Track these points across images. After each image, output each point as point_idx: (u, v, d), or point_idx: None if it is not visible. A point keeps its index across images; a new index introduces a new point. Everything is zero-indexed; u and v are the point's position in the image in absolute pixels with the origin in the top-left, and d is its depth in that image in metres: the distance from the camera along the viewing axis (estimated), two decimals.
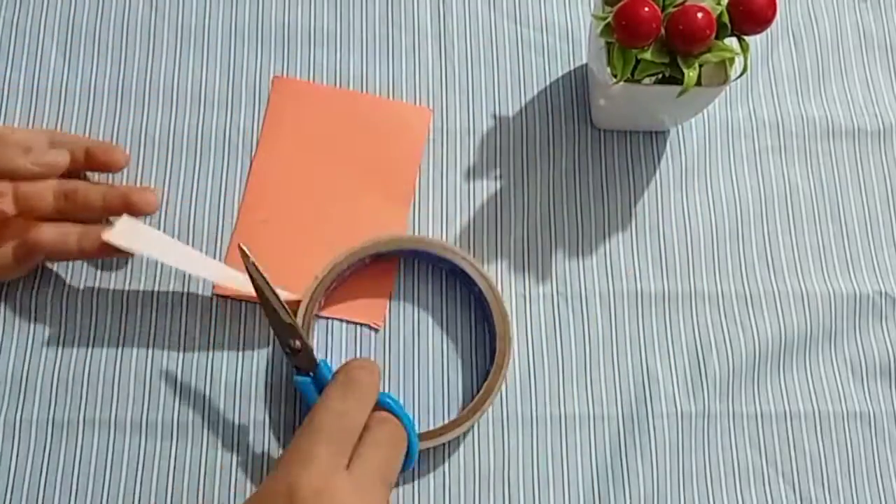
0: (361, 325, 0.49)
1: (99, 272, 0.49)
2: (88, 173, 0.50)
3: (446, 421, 0.46)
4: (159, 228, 0.50)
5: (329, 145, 0.52)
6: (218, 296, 0.48)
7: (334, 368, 0.43)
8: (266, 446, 0.46)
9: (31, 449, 0.45)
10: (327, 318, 0.49)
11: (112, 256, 0.48)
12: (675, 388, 0.49)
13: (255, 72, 0.54)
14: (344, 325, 0.49)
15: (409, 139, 0.53)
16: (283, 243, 0.50)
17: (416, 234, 0.51)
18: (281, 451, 0.46)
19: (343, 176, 0.51)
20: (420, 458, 0.46)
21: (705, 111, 0.54)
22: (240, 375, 0.47)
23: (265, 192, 0.51)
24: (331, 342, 0.49)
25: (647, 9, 0.43)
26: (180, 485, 0.45)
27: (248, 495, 0.45)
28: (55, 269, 0.49)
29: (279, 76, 0.53)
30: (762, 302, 0.51)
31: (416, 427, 0.45)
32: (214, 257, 0.50)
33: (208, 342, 0.48)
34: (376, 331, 0.49)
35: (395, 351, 0.49)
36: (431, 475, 0.46)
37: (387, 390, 0.48)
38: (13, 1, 0.54)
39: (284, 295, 0.45)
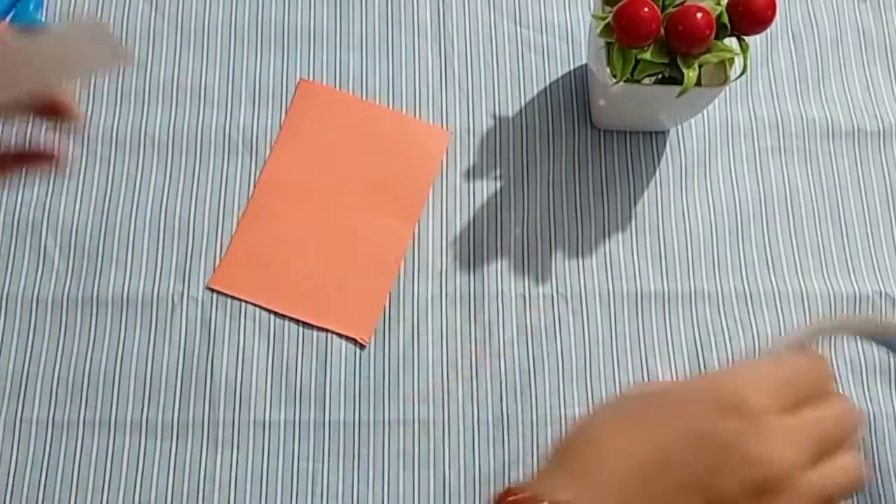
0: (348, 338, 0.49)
1: (99, 271, 0.49)
2: None
3: None
4: (159, 225, 0.50)
5: (345, 155, 0.52)
6: (213, 290, 0.49)
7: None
8: (266, 446, 0.46)
9: (31, 448, 0.45)
10: (318, 328, 0.49)
11: None
12: None
13: (255, 70, 0.54)
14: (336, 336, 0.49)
15: (424, 159, 0.52)
16: (282, 244, 0.50)
17: (418, 236, 0.51)
18: (279, 451, 0.46)
19: (354, 186, 0.51)
20: (421, 459, 0.46)
21: (705, 111, 0.54)
22: (240, 375, 0.47)
23: (275, 191, 0.51)
24: (329, 355, 0.49)
25: (646, 9, 0.43)
26: (180, 484, 0.45)
27: (248, 495, 0.45)
28: (55, 269, 0.49)
29: (306, 79, 0.53)
30: (762, 301, 0.51)
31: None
32: (213, 253, 0.50)
33: (208, 342, 0.48)
34: (363, 347, 0.49)
35: (388, 366, 0.49)
36: (432, 475, 0.46)
37: (375, 403, 0.48)
38: None
39: None
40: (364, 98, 0.54)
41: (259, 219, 0.50)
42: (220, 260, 0.49)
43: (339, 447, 0.46)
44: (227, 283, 0.48)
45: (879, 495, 0.48)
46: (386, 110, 0.53)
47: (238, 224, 0.50)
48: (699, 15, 0.43)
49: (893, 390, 0.50)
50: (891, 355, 0.50)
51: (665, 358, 0.49)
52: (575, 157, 0.53)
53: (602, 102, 0.51)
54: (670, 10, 0.44)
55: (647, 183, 0.53)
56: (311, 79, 0.54)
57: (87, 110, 0.52)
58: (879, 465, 0.48)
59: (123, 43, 0.54)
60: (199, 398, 0.47)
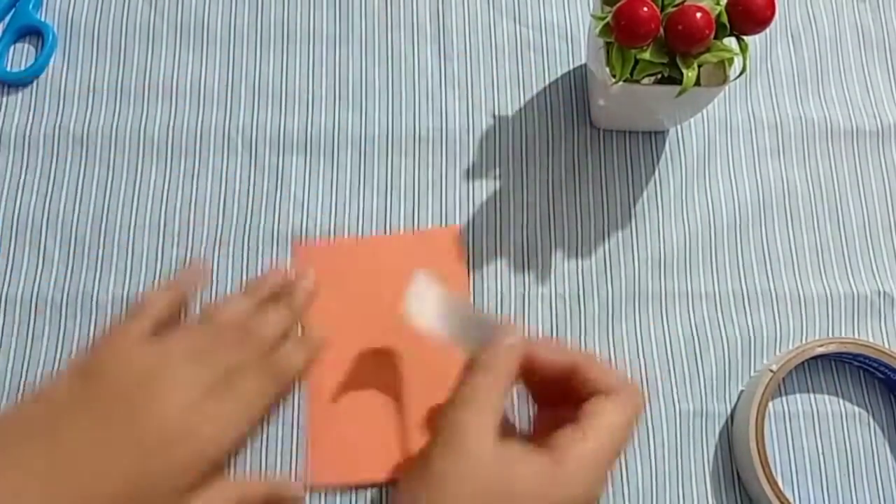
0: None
1: (99, 271, 0.49)
2: None
3: None
4: (159, 224, 0.50)
5: (367, 301, 0.48)
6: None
7: None
8: (266, 445, 0.46)
9: None
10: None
11: None
12: (673, 387, 0.49)
13: (255, 71, 0.54)
14: None
15: (449, 264, 0.49)
16: (356, 423, 0.46)
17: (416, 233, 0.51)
18: (279, 451, 0.46)
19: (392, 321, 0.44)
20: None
21: (704, 111, 0.54)
22: None
23: (327, 367, 0.46)
24: None
25: (645, 9, 0.43)
26: None
27: None
28: (55, 268, 0.49)
29: (298, 243, 0.48)
30: (760, 302, 0.51)
31: None
32: (210, 251, 0.50)
33: None
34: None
35: None
36: None
37: None
38: None
39: None
40: (364, 98, 0.54)
41: (324, 400, 0.47)
42: (308, 458, 0.46)
43: None
44: (327, 475, 0.45)
45: (879, 496, 0.48)
46: (387, 238, 0.49)
47: (310, 413, 0.46)
48: (698, 15, 0.43)
49: (892, 390, 0.50)
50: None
51: (663, 358, 0.49)
52: (574, 157, 0.53)
53: (601, 102, 0.51)
54: (669, 9, 0.44)
55: (647, 183, 0.53)
56: (310, 78, 0.54)
57: (86, 109, 0.53)
58: (878, 465, 0.48)
59: (122, 43, 0.54)
60: None
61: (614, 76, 0.45)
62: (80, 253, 0.49)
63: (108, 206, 0.51)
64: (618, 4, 0.43)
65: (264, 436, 0.46)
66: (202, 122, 0.53)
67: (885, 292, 0.51)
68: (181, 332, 0.38)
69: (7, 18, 0.55)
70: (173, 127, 0.52)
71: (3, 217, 0.50)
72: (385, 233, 0.51)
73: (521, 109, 0.54)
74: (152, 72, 0.54)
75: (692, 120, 0.54)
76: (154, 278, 0.49)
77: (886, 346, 0.50)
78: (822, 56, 0.58)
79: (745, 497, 0.47)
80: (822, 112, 0.56)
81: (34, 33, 0.54)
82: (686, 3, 0.44)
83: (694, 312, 0.50)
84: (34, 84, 0.53)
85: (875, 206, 0.54)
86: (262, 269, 0.49)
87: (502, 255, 0.51)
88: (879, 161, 0.55)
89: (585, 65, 0.55)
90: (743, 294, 0.51)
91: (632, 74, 0.45)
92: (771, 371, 0.47)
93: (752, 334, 0.50)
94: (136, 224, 0.50)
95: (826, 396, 0.49)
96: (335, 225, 0.51)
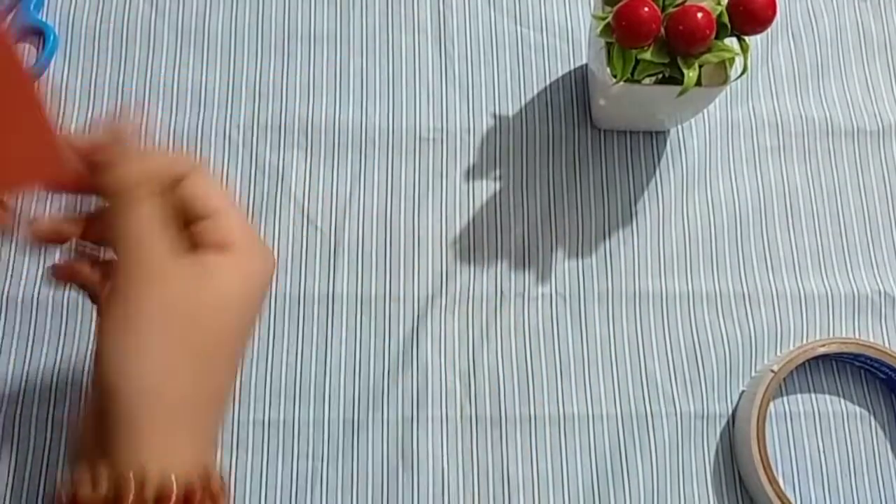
0: None
1: None
2: None
3: None
4: None
5: None
6: None
7: None
8: (265, 445, 0.46)
9: (30, 447, 0.45)
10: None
11: None
12: (673, 387, 0.49)
13: (255, 72, 0.54)
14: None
15: None
16: None
17: (417, 233, 0.51)
18: (279, 450, 0.46)
19: None
20: (420, 458, 0.46)
21: (705, 111, 0.54)
22: (238, 375, 0.47)
23: None
24: (329, 355, 0.49)
25: (646, 9, 0.43)
26: None
27: (247, 494, 0.45)
28: None
29: None
30: (761, 301, 0.51)
31: None
32: None
33: None
34: None
35: (387, 365, 0.49)
36: (431, 475, 0.46)
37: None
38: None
39: None
40: (364, 98, 0.54)
41: None
42: None
43: (338, 446, 0.46)
44: None
45: (880, 495, 0.48)
46: None
47: None
48: (699, 15, 0.43)
49: (892, 390, 0.50)
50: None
51: (664, 358, 0.49)
52: (575, 157, 0.53)
53: (602, 102, 0.51)
54: (670, 9, 0.44)
55: (647, 183, 0.53)
56: (310, 77, 0.54)
57: (87, 110, 0.52)
58: (879, 464, 0.48)
59: (124, 44, 0.54)
60: None
61: (615, 76, 0.45)
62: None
63: None
64: (618, 5, 0.43)
65: None
66: (203, 122, 0.53)
67: (885, 292, 0.51)
68: None
69: (8, 19, 0.55)
70: (174, 127, 0.52)
71: None
72: (386, 232, 0.51)
73: (521, 109, 0.54)
74: (153, 72, 0.54)
75: (693, 119, 0.54)
76: None
77: (887, 345, 0.50)
78: (823, 55, 0.58)
79: (746, 497, 0.47)
80: (823, 111, 0.56)
81: (35, 33, 0.54)
82: (687, 4, 0.44)
83: (695, 312, 0.50)
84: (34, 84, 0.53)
85: (875, 204, 0.54)
86: None
87: (502, 255, 0.51)
88: (880, 160, 0.55)
89: (586, 65, 0.55)
90: (744, 293, 0.51)
91: (632, 74, 0.45)
92: (772, 371, 0.47)
93: (752, 334, 0.50)
94: None
95: (827, 396, 0.49)
96: (335, 225, 0.51)
